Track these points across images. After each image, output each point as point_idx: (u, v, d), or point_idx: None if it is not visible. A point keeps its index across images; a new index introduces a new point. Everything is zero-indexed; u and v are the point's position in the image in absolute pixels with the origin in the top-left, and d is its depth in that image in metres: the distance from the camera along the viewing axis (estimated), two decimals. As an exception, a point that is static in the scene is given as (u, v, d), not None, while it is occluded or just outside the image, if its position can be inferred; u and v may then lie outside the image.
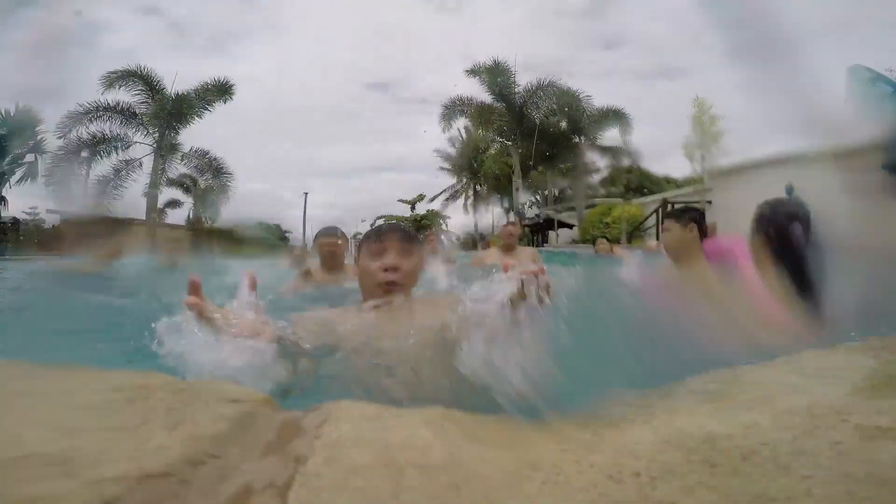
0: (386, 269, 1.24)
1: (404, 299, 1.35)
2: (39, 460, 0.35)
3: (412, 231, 1.40)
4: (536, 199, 24.05)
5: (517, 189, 17.02)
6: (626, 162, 17.81)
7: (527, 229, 16.18)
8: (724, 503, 0.34)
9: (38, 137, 15.90)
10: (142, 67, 15.37)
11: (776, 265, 1.41)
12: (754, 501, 0.34)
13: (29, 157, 16.21)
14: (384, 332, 1.16)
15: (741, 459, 0.39)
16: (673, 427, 0.45)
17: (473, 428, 0.47)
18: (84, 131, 15.09)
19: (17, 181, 16.11)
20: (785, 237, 1.43)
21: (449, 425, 0.46)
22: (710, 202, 11.29)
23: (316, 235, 2.97)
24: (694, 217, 2.07)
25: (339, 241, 2.92)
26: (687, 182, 13.52)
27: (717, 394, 0.54)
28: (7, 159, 15.88)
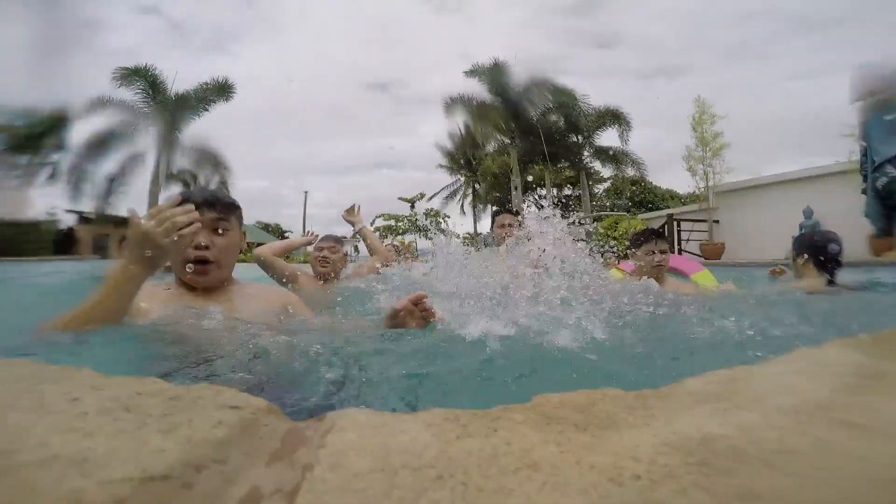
0: (196, 248, 1.17)
1: (230, 284, 1.30)
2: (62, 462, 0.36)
3: (228, 203, 1.31)
4: (535, 199, 23.98)
5: (516, 188, 16.99)
6: (629, 171, 17.71)
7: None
8: (720, 504, 0.35)
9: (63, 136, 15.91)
10: (145, 66, 15.35)
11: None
12: (745, 501, 0.35)
13: (54, 157, 16.16)
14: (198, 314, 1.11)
15: (734, 460, 0.39)
16: (672, 429, 0.45)
17: (474, 427, 0.47)
18: (86, 129, 15.13)
19: (44, 181, 16.08)
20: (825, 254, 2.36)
21: (449, 426, 0.47)
22: (717, 221, 11.29)
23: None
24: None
25: (334, 250, 2.89)
26: (690, 198, 13.41)
27: (716, 394, 0.55)
28: (25, 159, 15.80)
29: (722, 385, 0.58)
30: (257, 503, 0.36)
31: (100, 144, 15.03)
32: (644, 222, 12.31)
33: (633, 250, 2.78)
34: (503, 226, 3.40)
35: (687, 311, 1.55)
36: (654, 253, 2.62)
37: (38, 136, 15.20)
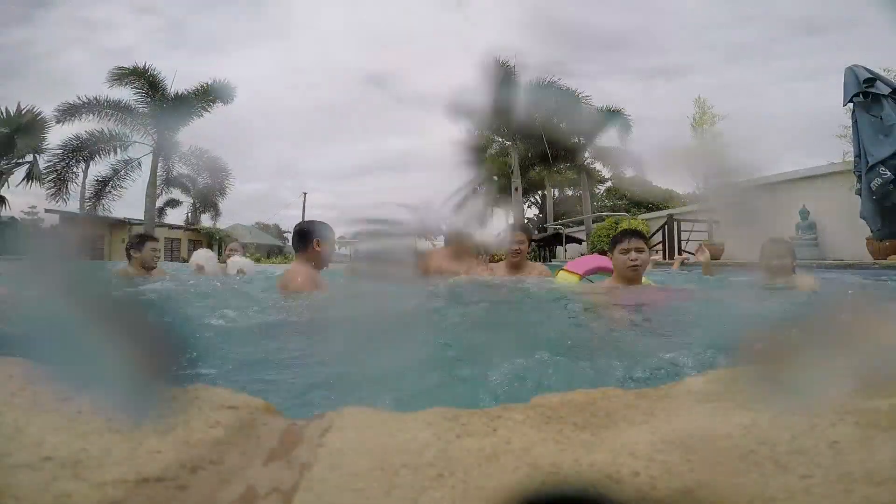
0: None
1: None
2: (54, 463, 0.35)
3: None
4: (536, 199, 24.00)
5: (516, 189, 16.99)
6: (629, 172, 17.64)
7: (533, 244, 16.08)
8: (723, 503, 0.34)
9: (40, 137, 15.99)
10: (144, 66, 15.27)
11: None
12: (753, 501, 0.34)
13: (29, 157, 16.30)
14: None
15: (740, 459, 0.39)
16: (672, 426, 0.45)
17: (473, 427, 0.47)
18: (83, 129, 14.99)
19: (20, 182, 16.15)
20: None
21: (449, 424, 0.47)
22: (717, 221, 11.27)
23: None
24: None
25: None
26: (690, 198, 13.41)
27: (716, 393, 0.54)
28: (3, 160, 15.89)
29: (723, 384, 0.58)
30: (253, 503, 0.36)
31: (89, 145, 14.92)
32: (644, 222, 12.32)
33: (610, 251, 2.70)
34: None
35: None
36: (628, 251, 2.53)
37: (9, 136, 15.24)
